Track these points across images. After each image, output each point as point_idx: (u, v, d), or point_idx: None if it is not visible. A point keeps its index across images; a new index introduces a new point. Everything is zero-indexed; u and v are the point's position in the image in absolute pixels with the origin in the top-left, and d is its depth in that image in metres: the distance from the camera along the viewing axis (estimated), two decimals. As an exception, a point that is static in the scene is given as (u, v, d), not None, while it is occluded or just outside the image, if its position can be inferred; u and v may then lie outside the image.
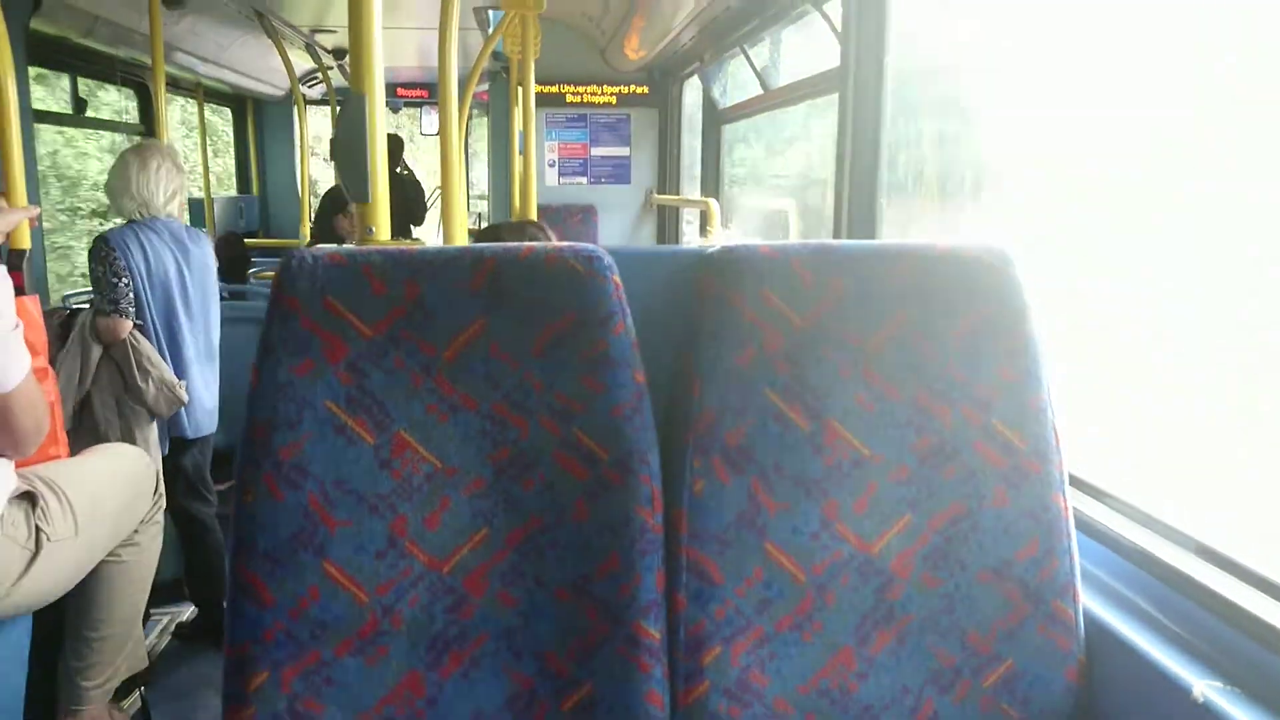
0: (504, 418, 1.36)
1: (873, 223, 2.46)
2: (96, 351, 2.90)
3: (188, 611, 3.35)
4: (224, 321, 3.41)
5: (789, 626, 1.40)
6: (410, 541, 1.34)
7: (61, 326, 2.92)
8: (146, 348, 2.94)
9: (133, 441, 2.85)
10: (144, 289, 2.97)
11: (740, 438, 1.41)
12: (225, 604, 1.35)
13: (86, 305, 3.03)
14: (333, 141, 1.74)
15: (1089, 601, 1.46)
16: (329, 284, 1.34)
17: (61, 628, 2.25)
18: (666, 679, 1.38)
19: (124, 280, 2.89)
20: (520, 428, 1.36)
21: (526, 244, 1.40)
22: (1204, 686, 1.23)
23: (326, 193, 4.71)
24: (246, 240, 5.70)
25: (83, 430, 2.85)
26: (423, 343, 1.35)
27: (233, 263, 4.87)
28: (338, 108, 4.30)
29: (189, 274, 3.12)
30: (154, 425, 3.01)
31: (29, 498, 1.91)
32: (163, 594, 3.13)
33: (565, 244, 1.40)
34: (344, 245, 3.02)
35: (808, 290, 1.44)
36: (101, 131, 6.90)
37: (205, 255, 3.21)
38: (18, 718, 2.00)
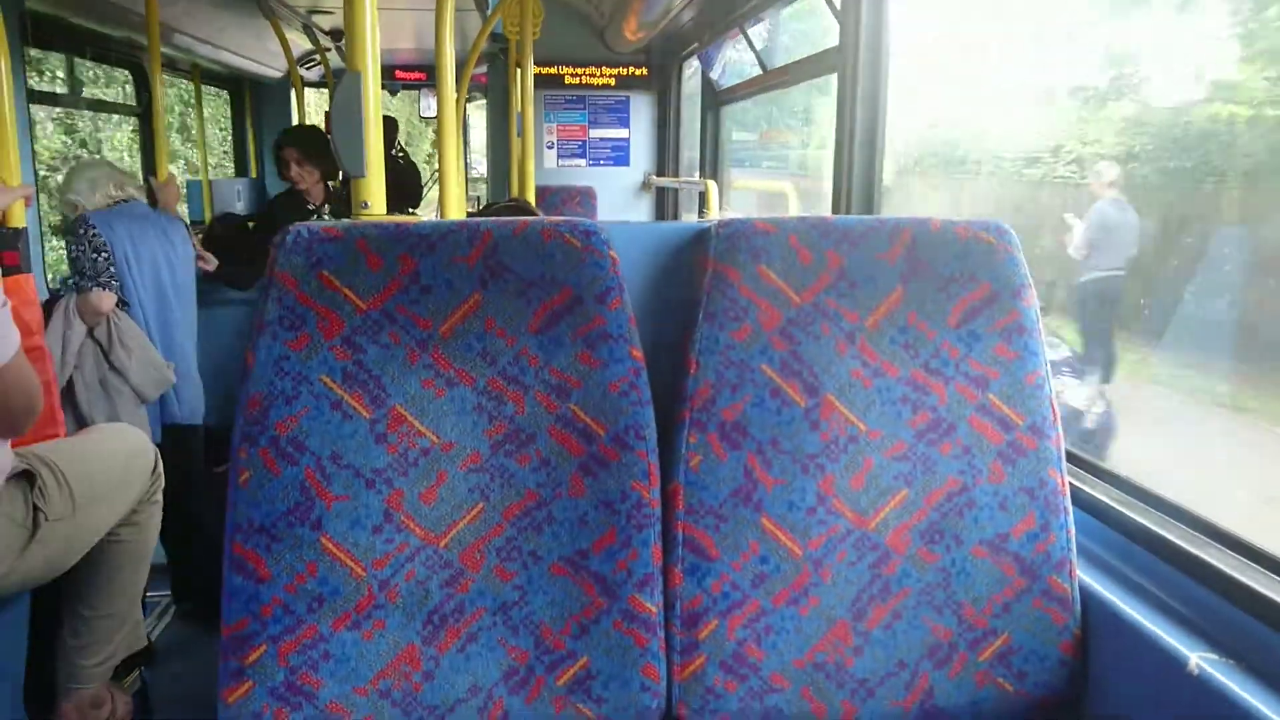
0: (500, 393, 1.36)
1: (872, 201, 2.46)
2: (79, 333, 2.86)
3: None
4: (221, 303, 3.40)
5: (785, 601, 1.40)
6: (406, 516, 1.34)
7: (43, 309, 2.88)
8: (129, 325, 2.92)
9: None
10: (130, 266, 2.96)
11: (737, 413, 1.41)
12: (222, 580, 1.35)
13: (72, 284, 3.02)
14: (328, 117, 1.73)
15: (1085, 576, 1.47)
16: (324, 258, 1.34)
17: (60, 607, 2.25)
18: (663, 653, 1.38)
19: (103, 255, 2.88)
20: (516, 403, 1.36)
21: (523, 219, 1.40)
22: (1199, 658, 1.23)
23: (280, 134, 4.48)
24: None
25: (66, 416, 2.83)
26: (419, 317, 1.35)
27: (231, 246, 4.84)
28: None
29: (174, 257, 3.14)
30: (142, 410, 2.99)
31: (26, 477, 1.91)
32: (161, 575, 3.14)
33: (562, 219, 1.40)
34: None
35: (805, 266, 1.43)
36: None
37: (185, 240, 3.29)
38: (18, 696, 2.01)
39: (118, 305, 2.92)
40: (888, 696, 1.41)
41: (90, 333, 2.89)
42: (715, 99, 5.34)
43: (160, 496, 2.41)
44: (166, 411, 3.10)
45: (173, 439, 3.13)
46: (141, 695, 2.51)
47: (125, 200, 3.08)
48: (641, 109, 6.11)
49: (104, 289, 2.87)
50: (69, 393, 2.86)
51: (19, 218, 2.57)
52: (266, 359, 1.33)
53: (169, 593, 3.30)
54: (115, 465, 2.21)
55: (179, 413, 3.13)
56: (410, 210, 6.40)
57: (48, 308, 2.88)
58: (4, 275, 2.28)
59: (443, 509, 1.35)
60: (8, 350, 1.71)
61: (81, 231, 2.89)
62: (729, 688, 1.39)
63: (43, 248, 3.13)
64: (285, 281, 1.33)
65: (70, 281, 2.97)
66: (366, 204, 1.61)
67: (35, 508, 1.89)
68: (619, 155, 6.17)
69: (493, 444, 1.36)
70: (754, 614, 1.40)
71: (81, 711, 2.26)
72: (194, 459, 3.24)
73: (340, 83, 1.59)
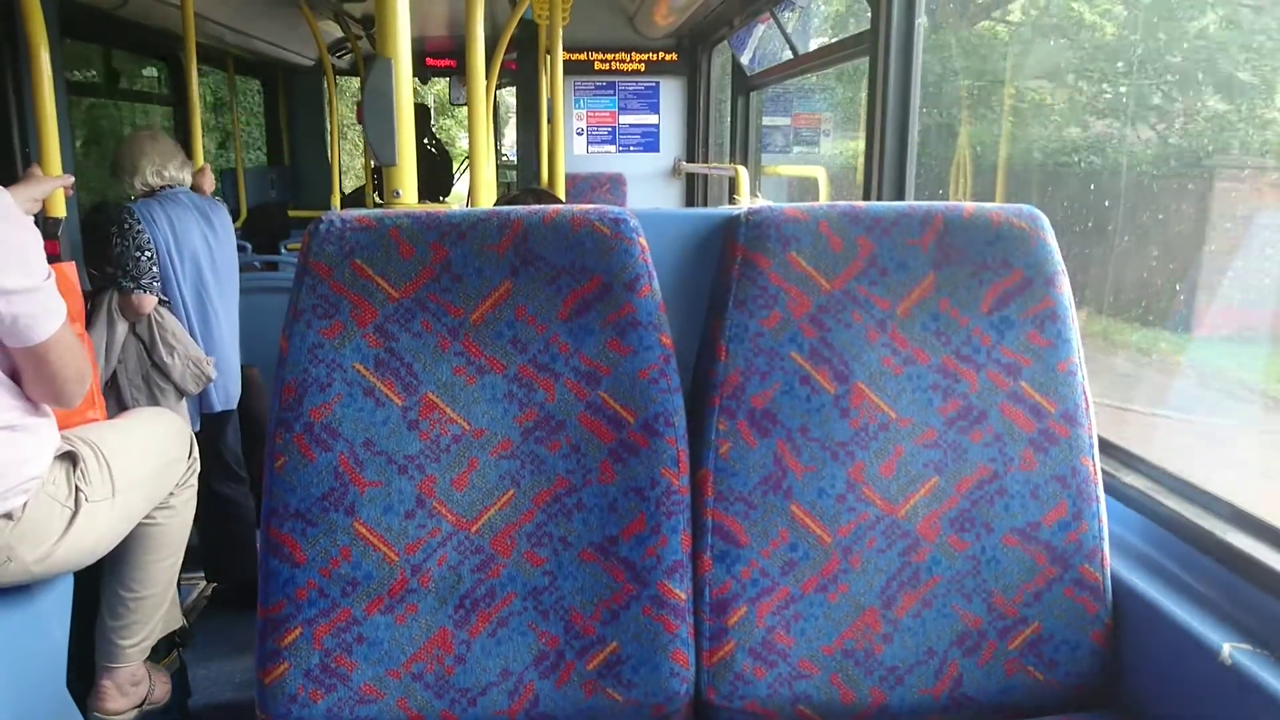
0: (531, 380, 1.37)
1: (903, 187, 2.44)
2: (122, 329, 2.89)
3: None
4: (258, 291, 3.42)
5: (814, 588, 1.40)
6: (438, 502, 1.36)
7: (86, 302, 2.90)
8: (172, 323, 2.94)
9: None
10: (173, 261, 2.96)
11: (766, 401, 1.41)
12: (258, 564, 1.37)
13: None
14: (359, 105, 1.75)
15: (1117, 565, 1.46)
16: (357, 247, 1.35)
17: (100, 588, 2.30)
18: (692, 639, 1.39)
19: (146, 254, 2.88)
20: (547, 390, 1.37)
21: (553, 207, 1.41)
22: (1232, 648, 1.22)
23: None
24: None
25: (109, 409, 2.86)
26: (450, 305, 1.37)
27: (268, 233, 4.88)
28: None
29: (215, 243, 3.13)
30: (183, 403, 3.02)
31: (69, 457, 1.95)
32: (199, 558, 3.19)
33: (592, 206, 1.40)
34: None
35: (835, 253, 1.43)
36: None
37: (227, 224, 3.26)
38: (61, 675, 2.05)
39: (160, 303, 2.94)
40: (917, 684, 1.41)
41: (133, 329, 2.92)
42: (746, 84, 5.32)
43: (196, 481, 2.45)
44: (205, 402, 3.14)
45: (208, 424, 3.17)
46: (179, 675, 2.56)
47: (168, 186, 3.08)
48: (671, 95, 6.08)
49: (145, 291, 2.87)
50: (113, 387, 2.90)
51: (59, 207, 2.61)
52: (300, 346, 1.35)
53: (204, 575, 3.36)
54: (154, 449, 2.25)
55: (216, 402, 3.17)
56: (440, 199, 6.41)
57: (91, 302, 2.91)
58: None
59: (474, 495, 1.37)
60: (56, 320, 1.75)
61: (126, 226, 2.88)
62: (758, 674, 1.40)
63: (83, 236, 3.16)
64: (318, 270, 1.35)
65: (112, 273, 2.97)
66: (398, 193, 1.63)
67: (77, 488, 1.93)
68: (649, 141, 6.15)
69: (523, 431, 1.38)
70: (783, 601, 1.40)
71: (121, 690, 2.31)
72: (228, 443, 3.29)
73: (371, 69, 1.60)
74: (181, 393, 2.98)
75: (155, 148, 3.10)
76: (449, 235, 1.37)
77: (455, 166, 8.04)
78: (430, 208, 1.49)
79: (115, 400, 2.89)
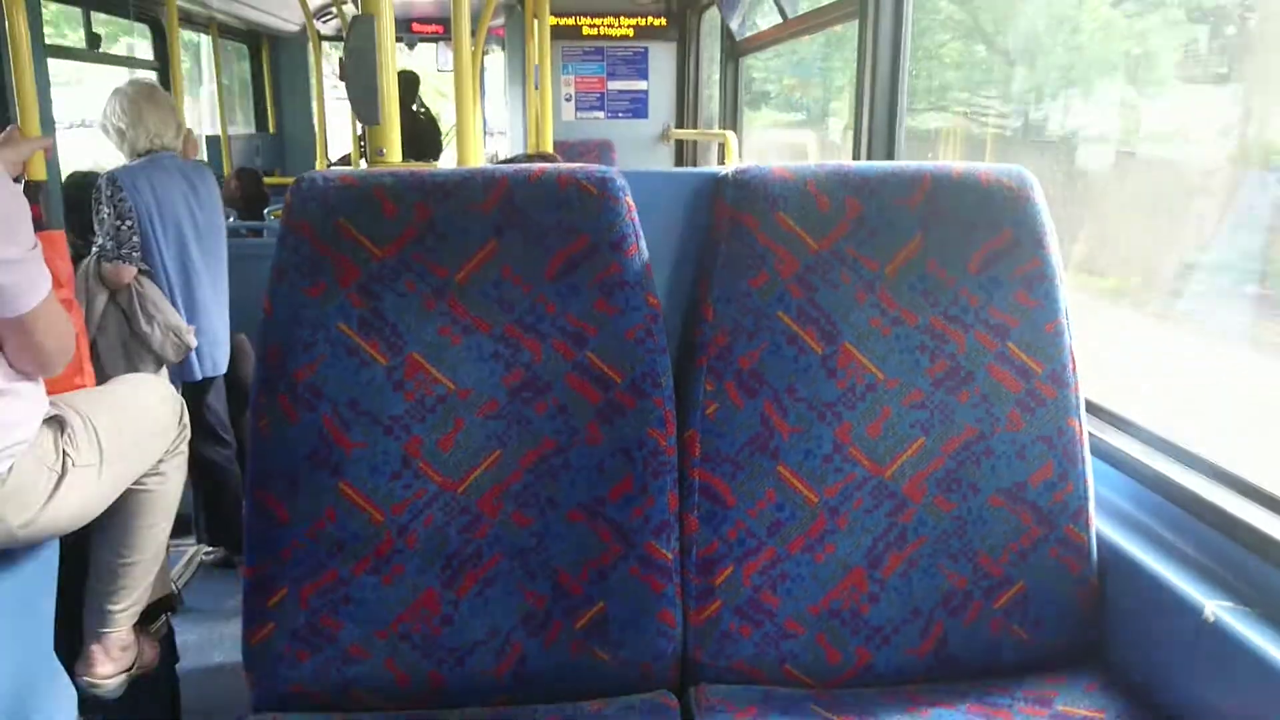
0: (516, 340, 1.36)
1: (892, 148, 2.43)
2: (102, 297, 2.87)
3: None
4: (242, 258, 3.39)
5: (801, 548, 1.41)
6: (424, 463, 1.35)
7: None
8: (152, 292, 2.91)
9: None
10: (156, 229, 2.93)
11: (753, 361, 1.41)
12: (244, 525, 1.37)
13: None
14: (342, 63, 1.72)
15: (1102, 525, 1.46)
16: (340, 206, 1.34)
17: (89, 554, 2.29)
18: (679, 598, 1.39)
19: (128, 223, 2.84)
20: (533, 351, 1.36)
21: (539, 165, 1.39)
22: (1215, 606, 1.23)
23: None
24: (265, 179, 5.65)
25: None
26: (435, 265, 1.35)
27: (249, 199, 4.84)
28: None
29: (199, 210, 3.09)
30: (163, 371, 3.00)
31: (57, 421, 1.94)
32: (187, 525, 3.19)
33: (578, 165, 1.39)
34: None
35: (823, 213, 1.42)
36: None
37: (212, 189, 3.20)
38: (48, 641, 2.05)
39: (140, 272, 2.91)
40: (903, 644, 1.42)
41: (113, 298, 2.90)
42: (734, 49, 5.27)
43: (185, 447, 2.44)
44: (187, 370, 3.11)
45: (193, 389, 3.15)
46: (168, 640, 2.57)
47: (155, 151, 3.03)
48: (660, 60, 6.03)
49: (125, 261, 2.84)
50: (93, 356, 2.87)
51: (39, 171, 2.58)
52: (284, 307, 1.34)
53: (194, 541, 3.36)
54: (143, 417, 2.23)
55: (198, 369, 3.14)
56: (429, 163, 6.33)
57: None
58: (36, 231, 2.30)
59: (460, 456, 1.36)
60: (41, 291, 1.73)
61: (109, 194, 2.85)
62: (744, 633, 1.40)
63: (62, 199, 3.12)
64: (301, 229, 1.34)
65: (92, 242, 2.94)
66: (382, 151, 1.61)
67: (64, 452, 1.92)
68: (638, 107, 6.10)
69: (510, 391, 1.37)
70: (769, 561, 1.41)
71: (110, 655, 2.31)
72: (211, 409, 3.27)
73: (353, 26, 1.58)
74: (161, 361, 2.96)
75: (155, 112, 3.01)
76: (433, 194, 1.35)
77: (444, 136, 7.98)
78: (415, 166, 1.47)
79: (95, 369, 2.87)
